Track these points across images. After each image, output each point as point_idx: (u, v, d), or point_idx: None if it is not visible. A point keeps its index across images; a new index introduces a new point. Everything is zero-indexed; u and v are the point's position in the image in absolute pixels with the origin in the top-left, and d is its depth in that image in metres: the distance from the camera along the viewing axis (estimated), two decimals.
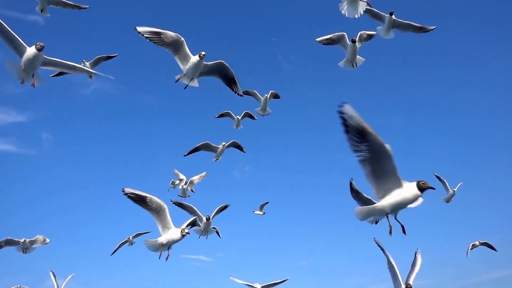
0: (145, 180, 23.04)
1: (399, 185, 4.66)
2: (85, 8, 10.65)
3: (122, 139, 27.85)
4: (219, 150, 13.03)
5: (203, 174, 15.07)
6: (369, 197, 8.58)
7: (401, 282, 8.34)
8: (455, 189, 14.88)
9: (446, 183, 14.80)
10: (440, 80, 28.40)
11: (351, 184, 8.74)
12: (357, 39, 10.06)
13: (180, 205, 11.46)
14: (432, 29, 10.10)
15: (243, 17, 31.00)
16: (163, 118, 28.91)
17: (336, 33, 10.14)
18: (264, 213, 18.08)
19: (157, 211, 7.35)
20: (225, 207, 11.73)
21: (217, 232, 12.46)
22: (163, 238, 7.33)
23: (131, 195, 7.13)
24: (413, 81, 29.51)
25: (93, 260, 22.85)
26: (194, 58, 7.67)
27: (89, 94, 27.48)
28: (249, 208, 16.80)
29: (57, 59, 6.96)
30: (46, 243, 12.19)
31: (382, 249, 8.70)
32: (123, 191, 7.13)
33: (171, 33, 7.41)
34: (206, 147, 12.96)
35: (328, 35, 10.08)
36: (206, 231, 11.63)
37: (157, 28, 7.30)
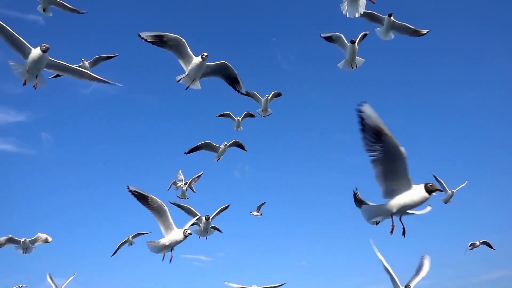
0: (145, 180, 23.12)
1: (408, 187, 4.67)
2: (83, 13, 10.81)
3: (122, 139, 27.90)
4: (220, 150, 12.95)
5: (200, 174, 15.11)
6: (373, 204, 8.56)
7: (399, 284, 8.26)
8: (454, 190, 14.90)
9: (443, 183, 14.81)
10: (440, 80, 28.53)
11: (355, 194, 8.69)
12: (357, 40, 10.13)
13: (178, 206, 11.48)
14: (425, 33, 10.20)
15: (243, 18, 31.04)
16: (163, 118, 28.99)
17: (335, 33, 10.23)
18: (261, 214, 17.68)
19: (158, 211, 7.43)
20: (225, 208, 11.67)
21: (218, 229, 12.44)
22: (165, 240, 7.36)
23: (135, 193, 7.30)
24: (413, 81, 29.63)
25: (93, 260, 22.90)
26: (197, 59, 7.69)
27: (89, 94, 27.48)
28: (249, 208, 16.77)
29: (62, 62, 6.94)
30: (49, 242, 12.13)
31: (376, 253, 8.56)
32: (128, 188, 7.32)
33: (172, 35, 7.45)
34: (208, 146, 12.87)
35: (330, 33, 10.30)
36: (205, 231, 11.63)
37: (158, 31, 7.35)
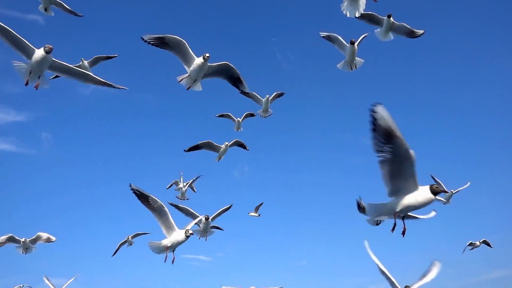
0: (145, 179, 23.11)
1: (414, 188, 4.72)
2: (80, 16, 10.89)
3: (122, 138, 27.91)
4: (221, 149, 12.85)
5: (196, 177, 15.18)
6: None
7: (398, 286, 8.17)
8: (453, 190, 14.93)
9: (442, 184, 14.82)
10: (440, 80, 28.59)
11: (358, 204, 8.71)
12: (357, 42, 10.13)
13: (176, 207, 11.36)
14: (421, 34, 10.24)
15: (243, 17, 31.04)
16: (163, 118, 28.99)
17: (333, 34, 10.25)
18: (259, 215, 17.39)
19: (158, 211, 7.44)
20: (227, 209, 11.54)
21: (218, 228, 12.36)
22: (167, 241, 7.37)
23: (136, 192, 7.32)
24: (413, 81, 29.69)
25: (93, 260, 22.92)
26: (198, 60, 7.70)
27: (89, 94, 27.45)
28: (249, 208, 16.72)
29: (66, 63, 6.93)
30: (52, 241, 12.07)
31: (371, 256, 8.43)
32: (130, 185, 7.34)
33: (172, 37, 7.49)
34: (209, 146, 12.76)
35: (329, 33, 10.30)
36: (205, 231, 11.57)
37: (158, 34, 7.43)
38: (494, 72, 28.32)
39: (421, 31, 10.29)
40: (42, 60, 6.66)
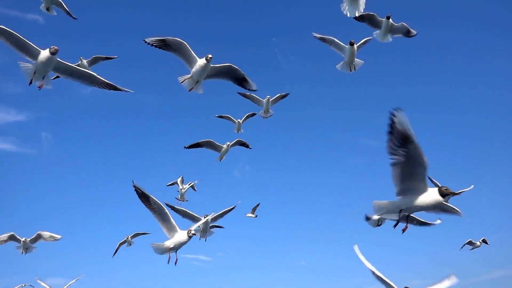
0: (145, 180, 22.94)
1: (424, 189, 4.83)
2: (74, 18, 11.05)
3: (122, 139, 27.84)
4: (223, 149, 12.75)
5: (194, 182, 15.24)
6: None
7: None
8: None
9: (439, 185, 14.76)
10: (440, 80, 28.60)
11: (367, 217, 8.68)
12: (357, 44, 10.13)
13: (172, 208, 11.17)
14: (415, 35, 10.30)
15: (243, 18, 31.00)
16: (163, 118, 28.93)
17: (328, 36, 10.24)
18: (256, 216, 17.04)
19: (159, 212, 7.41)
20: (230, 210, 11.28)
21: (219, 226, 12.28)
22: (170, 242, 7.34)
23: (138, 190, 7.30)
24: (413, 81, 29.68)
25: (93, 260, 22.90)
26: (201, 61, 7.67)
27: (89, 94, 27.43)
28: (249, 208, 16.71)
29: (71, 64, 6.92)
30: (57, 240, 11.98)
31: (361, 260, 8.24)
32: (133, 182, 7.33)
33: (173, 39, 7.50)
34: (210, 145, 12.66)
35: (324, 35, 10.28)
36: (204, 231, 11.56)
37: (160, 36, 7.43)
38: (494, 72, 28.40)
39: (415, 32, 10.35)
40: (48, 61, 6.67)
